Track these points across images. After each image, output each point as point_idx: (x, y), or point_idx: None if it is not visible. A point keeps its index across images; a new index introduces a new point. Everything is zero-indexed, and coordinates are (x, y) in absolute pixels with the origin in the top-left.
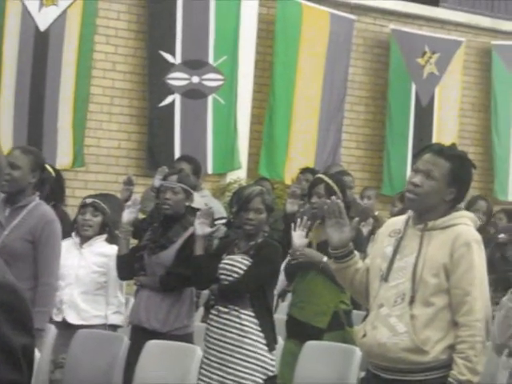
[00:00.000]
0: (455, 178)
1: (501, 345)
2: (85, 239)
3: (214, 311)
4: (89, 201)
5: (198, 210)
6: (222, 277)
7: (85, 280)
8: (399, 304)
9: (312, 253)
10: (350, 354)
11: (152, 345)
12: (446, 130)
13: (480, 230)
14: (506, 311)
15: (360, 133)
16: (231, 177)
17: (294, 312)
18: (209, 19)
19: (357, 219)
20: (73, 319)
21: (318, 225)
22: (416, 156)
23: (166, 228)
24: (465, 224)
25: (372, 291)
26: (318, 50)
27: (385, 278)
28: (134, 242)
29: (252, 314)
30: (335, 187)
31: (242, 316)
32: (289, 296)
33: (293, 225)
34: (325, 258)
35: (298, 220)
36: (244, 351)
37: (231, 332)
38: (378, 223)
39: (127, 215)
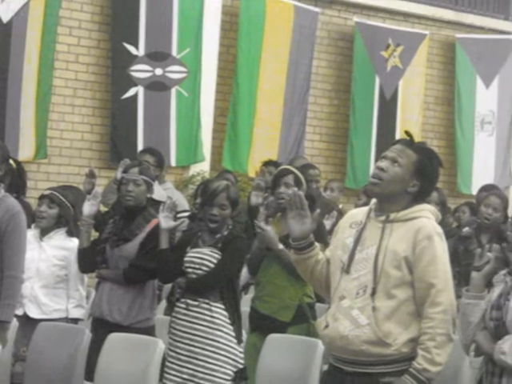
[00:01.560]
0: (420, 171)
1: (466, 343)
2: (44, 232)
3: (181, 304)
4: (46, 192)
5: (159, 202)
6: (190, 270)
7: (45, 273)
8: (361, 296)
9: (272, 237)
10: (313, 347)
11: (114, 337)
12: (409, 123)
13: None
14: (463, 308)
15: (323, 126)
16: (194, 169)
17: (258, 305)
18: (172, 11)
19: (318, 211)
20: (34, 313)
21: (280, 218)
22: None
23: (127, 220)
24: (426, 217)
25: (333, 283)
26: (282, 42)
27: (346, 270)
28: (95, 235)
29: (222, 306)
30: (302, 179)
31: (213, 309)
32: (252, 289)
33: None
34: (280, 246)
35: (261, 209)
36: (215, 343)
37: (202, 325)
38: (342, 216)
39: (88, 208)
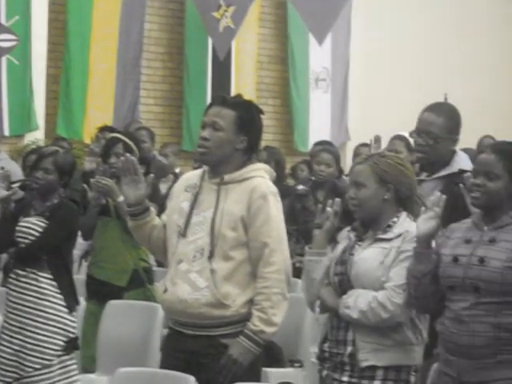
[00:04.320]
0: (243, 125)
1: (311, 300)
2: None
3: (12, 275)
4: None
5: None
6: (19, 240)
7: None
8: (198, 259)
9: (113, 186)
10: (153, 311)
11: None
12: (244, 83)
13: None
14: (306, 266)
15: (158, 89)
16: (29, 138)
17: (93, 271)
18: None
19: (152, 175)
20: None
21: (115, 183)
22: (204, 113)
23: None
24: (261, 176)
25: (170, 247)
26: (112, 6)
27: (183, 234)
28: None
29: (50, 276)
30: (133, 145)
31: (40, 279)
32: None
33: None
34: (121, 198)
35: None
36: (44, 314)
37: (30, 295)
38: (178, 180)
39: None
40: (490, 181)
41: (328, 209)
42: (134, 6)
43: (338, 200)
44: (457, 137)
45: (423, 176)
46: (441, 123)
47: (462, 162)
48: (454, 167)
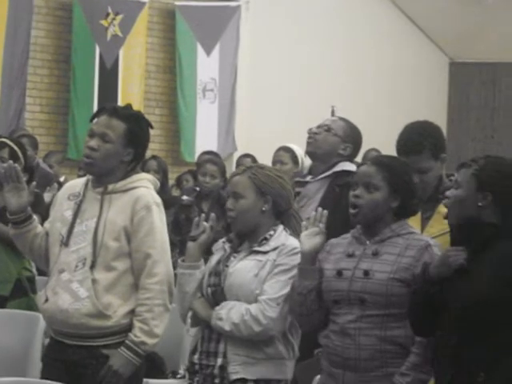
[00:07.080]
0: (132, 139)
1: (183, 313)
2: None
3: None
4: None
5: None
6: None
7: None
8: (80, 269)
9: None
10: (34, 321)
11: None
12: (131, 91)
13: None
14: (179, 279)
15: (44, 96)
16: None
17: None
18: None
19: (34, 183)
20: None
21: None
22: (91, 119)
23: None
24: (145, 187)
25: (52, 256)
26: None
27: (65, 243)
28: None
29: None
30: (19, 152)
31: None
32: None
33: None
34: None
35: None
36: None
37: None
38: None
39: None
40: (369, 193)
41: (205, 223)
42: (20, 12)
43: (213, 215)
44: (348, 145)
45: (308, 178)
46: (339, 124)
47: (347, 166)
48: (337, 169)
